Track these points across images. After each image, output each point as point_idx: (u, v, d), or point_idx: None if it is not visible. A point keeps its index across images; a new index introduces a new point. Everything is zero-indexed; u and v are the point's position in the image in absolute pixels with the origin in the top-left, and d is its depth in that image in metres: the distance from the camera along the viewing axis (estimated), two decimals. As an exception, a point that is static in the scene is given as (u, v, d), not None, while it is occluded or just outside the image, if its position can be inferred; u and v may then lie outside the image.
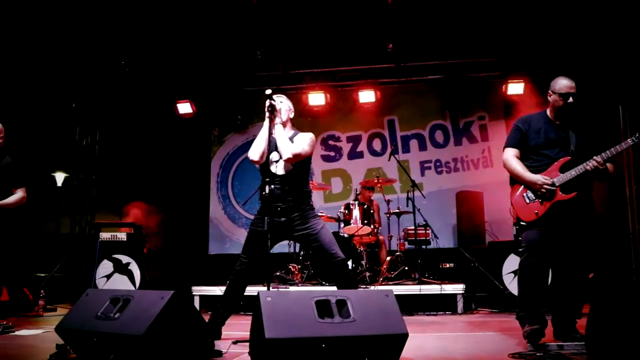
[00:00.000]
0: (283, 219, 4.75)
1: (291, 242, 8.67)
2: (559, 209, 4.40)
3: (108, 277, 8.30)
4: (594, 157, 4.29)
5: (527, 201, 4.51)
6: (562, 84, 4.50)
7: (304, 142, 4.86)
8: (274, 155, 4.89)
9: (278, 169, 4.85)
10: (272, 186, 4.68)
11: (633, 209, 9.25)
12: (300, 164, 4.86)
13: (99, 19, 8.81)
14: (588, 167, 4.31)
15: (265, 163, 4.81)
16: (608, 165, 4.37)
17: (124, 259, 8.35)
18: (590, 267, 4.59)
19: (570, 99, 4.46)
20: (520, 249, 4.59)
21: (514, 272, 7.30)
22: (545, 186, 4.39)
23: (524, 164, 4.58)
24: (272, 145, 4.87)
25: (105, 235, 8.44)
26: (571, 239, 4.45)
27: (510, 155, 4.66)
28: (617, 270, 8.84)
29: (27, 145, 8.79)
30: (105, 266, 8.32)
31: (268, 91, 4.76)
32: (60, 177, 11.38)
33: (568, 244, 4.47)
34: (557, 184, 4.38)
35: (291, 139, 4.90)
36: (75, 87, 10.14)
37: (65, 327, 3.94)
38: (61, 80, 9.81)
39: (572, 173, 4.36)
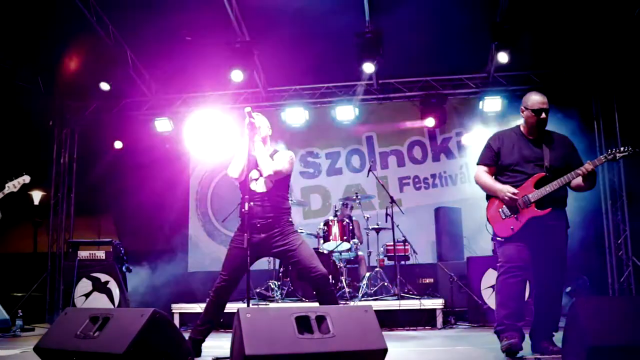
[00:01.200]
0: (263, 235, 4.76)
1: (271, 259, 8.68)
2: (534, 225, 4.46)
3: (87, 295, 8.21)
4: (576, 170, 4.37)
5: (503, 216, 4.57)
6: (534, 99, 4.58)
7: (284, 160, 4.90)
8: (253, 173, 4.90)
9: (258, 186, 4.86)
10: (252, 203, 4.69)
11: (608, 223, 9.39)
12: (279, 181, 4.90)
13: (76, 34, 8.82)
14: (562, 182, 4.38)
15: (245, 180, 4.83)
16: (577, 182, 4.45)
17: (103, 277, 8.28)
18: (566, 281, 4.65)
19: (543, 115, 4.54)
20: (497, 264, 4.64)
21: (492, 286, 7.35)
22: (509, 194, 4.45)
23: (500, 181, 4.64)
24: (251, 163, 4.90)
25: (83, 254, 8.37)
26: (546, 253, 4.52)
27: (481, 171, 4.74)
28: (593, 283, 8.95)
29: (2, 163, 8.73)
30: (84, 285, 8.24)
31: (247, 109, 4.78)
32: (37, 195, 11.30)
33: (544, 258, 4.54)
34: (532, 200, 4.44)
35: (271, 156, 4.93)
36: (52, 105, 10.10)
37: (44, 346, 3.91)
38: (38, 98, 9.76)
39: (547, 189, 4.42)
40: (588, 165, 4.36)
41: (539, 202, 4.44)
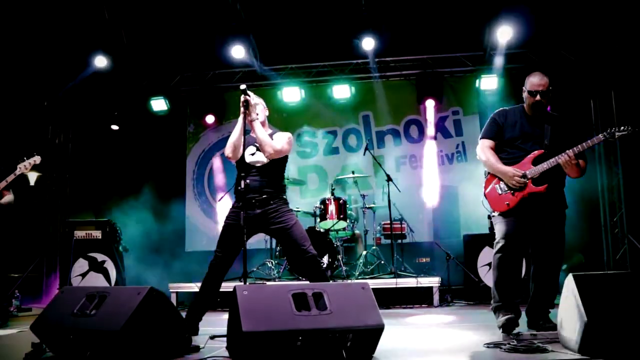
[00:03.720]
0: (258, 211, 4.81)
1: (267, 237, 8.68)
2: (530, 201, 4.47)
3: (83, 275, 8.23)
4: (566, 151, 4.35)
5: (500, 192, 4.58)
6: (530, 81, 4.60)
7: (283, 140, 4.95)
8: (250, 149, 4.94)
9: (254, 158, 4.92)
10: (248, 180, 4.71)
11: (605, 202, 9.40)
12: (276, 160, 4.94)
13: (71, 15, 8.74)
14: (560, 161, 4.38)
15: (242, 158, 4.83)
16: (580, 161, 4.43)
17: (100, 257, 8.30)
18: (562, 258, 4.66)
19: (538, 97, 4.53)
20: (494, 241, 4.65)
21: (489, 264, 7.38)
22: (516, 177, 4.45)
23: (498, 156, 4.64)
24: (248, 141, 4.92)
25: (79, 234, 8.37)
26: (543, 231, 4.53)
27: (485, 146, 4.72)
28: (589, 261, 8.99)
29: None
30: (81, 265, 8.25)
31: (242, 86, 4.76)
32: (32, 176, 11.25)
33: (540, 235, 4.55)
34: (529, 176, 4.45)
35: (270, 137, 4.94)
36: (46, 85, 10.03)
37: (41, 325, 3.91)
38: (32, 78, 9.68)
39: (544, 166, 4.43)
40: (564, 156, 4.34)
41: (536, 179, 4.45)
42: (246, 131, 4.81)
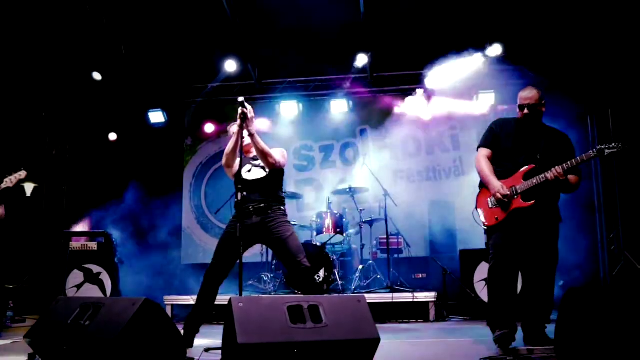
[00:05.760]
0: (256, 219, 4.87)
1: (264, 251, 8.68)
2: (519, 216, 4.49)
3: (79, 287, 8.20)
4: (555, 167, 4.35)
5: (490, 205, 4.63)
6: (520, 95, 4.67)
7: (277, 154, 4.99)
8: (246, 167, 5.04)
9: (252, 175, 4.99)
10: (245, 193, 4.76)
11: (601, 218, 9.41)
12: (274, 172, 4.99)
13: (69, 27, 8.77)
14: (548, 177, 4.37)
15: (239, 174, 4.83)
16: (570, 177, 4.43)
17: (95, 268, 8.27)
18: (554, 273, 4.65)
19: (526, 110, 4.57)
20: (489, 256, 4.67)
21: (485, 280, 7.36)
22: (498, 195, 4.48)
23: (494, 168, 4.67)
24: (243, 161, 4.93)
25: (75, 245, 8.35)
26: (534, 245, 4.54)
27: (482, 156, 4.76)
28: (585, 277, 8.97)
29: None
30: (76, 276, 8.23)
31: (240, 99, 4.79)
32: (29, 187, 11.24)
33: (531, 249, 4.55)
34: (519, 191, 4.46)
35: None
36: (44, 96, 10.04)
37: (35, 335, 3.89)
38: (30, 89, 9.70)
39: (533, 181, 4.45)
40: (552, 173, 4.34)
41: (526, 194, 4.46)
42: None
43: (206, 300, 4.89)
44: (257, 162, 5.10)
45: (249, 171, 5.03)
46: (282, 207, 5.01)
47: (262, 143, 4.91)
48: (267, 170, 4.97)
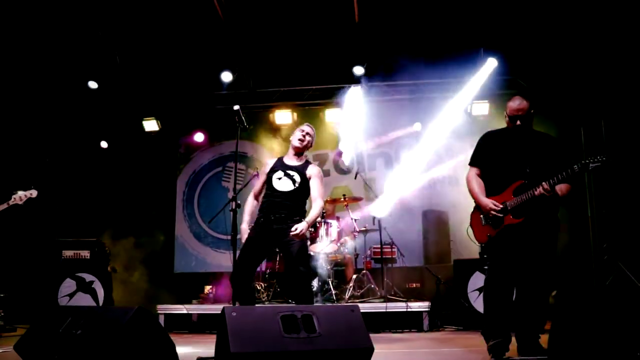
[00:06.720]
0: (276, 226, 5.03)
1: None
2: (510, 232, 4.47)
3: (71, 295, 8.15)
4: (542, 183, 4.30)
5: (483, 222, 4.61)
6: (509, 106, 4.56)
7: (320, 184, 5.29)
8: (278, 174, 5.22)
9: (280, 185, 5.17)
10: (271, 199, 5.08)
11: (594, 228, 9.41)
12: (303, 186, 5.20)
13: (66, 35, 8.77)
14: (536, 193, 4.33)
15: (269, 179, 5.15)
16: (561, 186, 4.34)
17: (88, 277, 8.22)
18: (552, 285, 4.66)
19: (518, 122, 4.51)
20: (486, 267, 4.68)
21: (479, 289, 7.36)
22: (492, 212, 4.48)
23: (484, 183, 4.65)
24: (279, 165, 5.28)
25: (68, 253, 8.31)
26: (530, 259, 4.50)
27: (472, 175, 4.74)
28: (578, 288, 8.97)
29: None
30: (68, 285, 8.17)
31: (236, 107, 4.85)
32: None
33: (528, 263, 4.52)
34: (509, 208, 4.44)
35: (303, 169, 5.27)
36: (39, 105, 10.01)
37: (25, 345, 3.86)
38: (24, 98, 9.67)
39: (522, 197, 4.39)
40: (540, 189, 4.29)
41: (515, 210, 4.44)
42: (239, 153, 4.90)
43: (248, 300, 4.94)
44: (290, 172, 5.24)
45: (280, 179, 5.19)
46: (300, 219, 5.09)
47: (313, 218, 5.09)
48: (297, 184, 5.15)
